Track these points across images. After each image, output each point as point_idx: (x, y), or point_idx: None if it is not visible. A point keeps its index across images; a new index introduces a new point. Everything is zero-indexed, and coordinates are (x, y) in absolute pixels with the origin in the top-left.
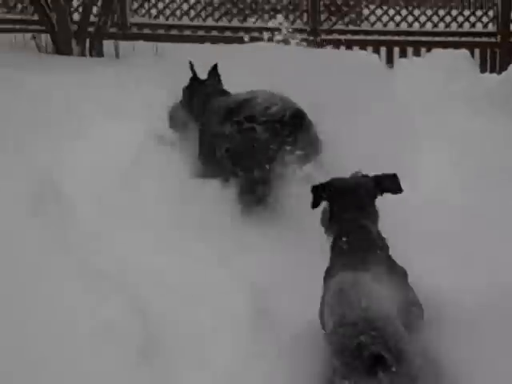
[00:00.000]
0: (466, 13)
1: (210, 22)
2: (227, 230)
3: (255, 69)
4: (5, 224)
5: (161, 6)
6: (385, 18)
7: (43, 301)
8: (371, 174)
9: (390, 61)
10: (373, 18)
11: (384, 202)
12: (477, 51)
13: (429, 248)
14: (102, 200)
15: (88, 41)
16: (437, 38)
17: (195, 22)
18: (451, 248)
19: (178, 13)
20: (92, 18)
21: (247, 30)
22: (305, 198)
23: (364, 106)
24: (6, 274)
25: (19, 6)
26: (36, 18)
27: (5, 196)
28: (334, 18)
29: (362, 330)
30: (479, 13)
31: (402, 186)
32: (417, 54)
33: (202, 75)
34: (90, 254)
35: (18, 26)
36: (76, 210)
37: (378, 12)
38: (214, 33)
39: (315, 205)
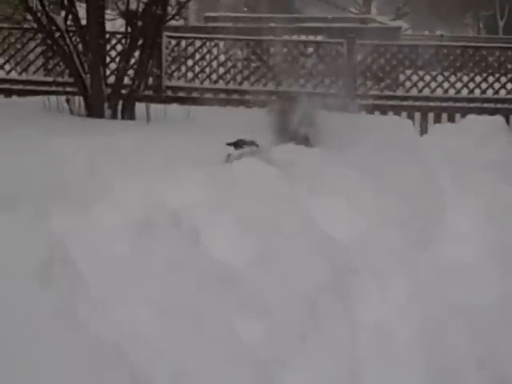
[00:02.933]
0: (503, 79)
1: (245, 85)
2: None
3: None
4: (9, 290)
5: (197, 69)
6: (420, 84)
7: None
8: None
9: (424, 126)
10: (408, 84)
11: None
12: None
13: None
14: (112, 265)
15: (121, 104)
16: (472, 105)
17: (230, 86)
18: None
19: (214, 76)
20: (127, 81)
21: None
22: None
23: (390, 168)
24: (6, 340)
25: (58, 68)
26: (71, 80)
27: (13, 261)
28: (369, 84)
29: None
30: None
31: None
32: (451, 119)
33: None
34: (96, 323)
35: (53, 88)
36: (85, 276)
37: (414, 78)
38: (248, 97)
39: None
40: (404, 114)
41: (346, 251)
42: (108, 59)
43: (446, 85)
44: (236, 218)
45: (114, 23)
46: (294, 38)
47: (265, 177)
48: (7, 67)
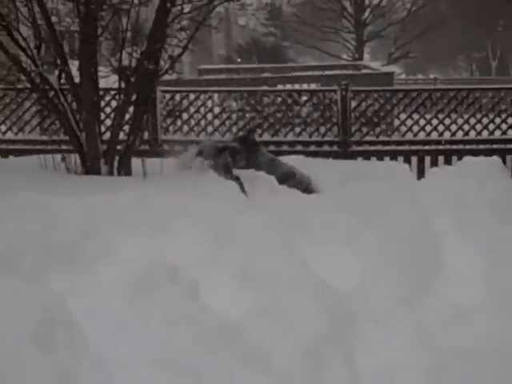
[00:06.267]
0: (497, 120)
1: None
2: None
3: None
4: (8, 354)
5: (192, 122)
6: (415, 128)
7: None
8: None
9: (421, 170)
10: (403, 129)
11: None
12: (509, 158)
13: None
14: (111, 323)
15: (117, 159)
16: (468, 146)
17: (226, 138)
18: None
19: (209, 129)
20: (123, 137)
21: (278, 143)
22: None
23: (388, 212)
24: None
25: (53, 127)
26: (67, 138)
27: (12, 323)
28: (364, 130)
29: None
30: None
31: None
32: (448, 162)
33: None
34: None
35: (49, 147)
36: (85, 336)
37: (409, 122)
38: None
39: None
40: (400, 158)
41: (346, 299)
42: (103, 116)
43: (441, 128)
44: (234, 271)
45: (108, 80)
46: (288, 87)
47: (262, 227)
48: (3, 128)
